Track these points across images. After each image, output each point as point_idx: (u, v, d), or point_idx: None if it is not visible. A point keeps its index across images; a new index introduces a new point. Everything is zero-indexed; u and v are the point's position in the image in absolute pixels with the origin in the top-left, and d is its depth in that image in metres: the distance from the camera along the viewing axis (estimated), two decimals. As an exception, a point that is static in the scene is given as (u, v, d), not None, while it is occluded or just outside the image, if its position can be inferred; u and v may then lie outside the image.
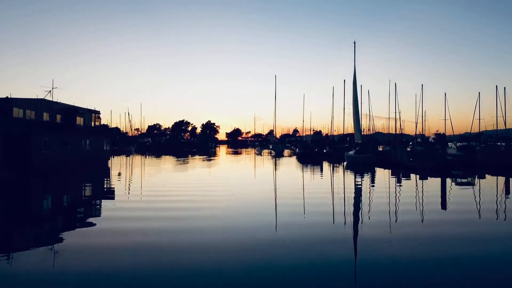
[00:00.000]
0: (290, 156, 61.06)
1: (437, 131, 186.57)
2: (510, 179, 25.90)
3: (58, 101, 28.10)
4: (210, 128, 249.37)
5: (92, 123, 33.93)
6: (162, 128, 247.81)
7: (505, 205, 17.49)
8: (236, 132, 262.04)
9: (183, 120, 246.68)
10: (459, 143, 36.96)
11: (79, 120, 29.54)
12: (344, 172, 34.29)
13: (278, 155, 59.42)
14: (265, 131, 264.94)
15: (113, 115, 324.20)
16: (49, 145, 23.86)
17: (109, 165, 34.60)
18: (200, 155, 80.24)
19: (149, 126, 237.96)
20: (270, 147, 64.24)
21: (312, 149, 52.34)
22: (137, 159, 62.68)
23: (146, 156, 70.79)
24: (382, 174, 30.44)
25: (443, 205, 18.79)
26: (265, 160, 53.78)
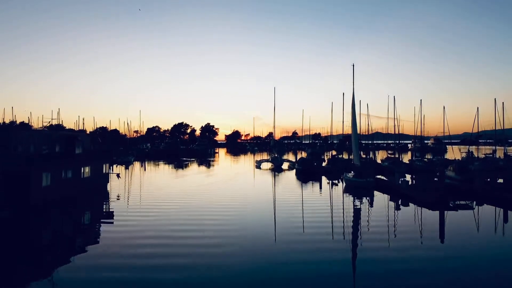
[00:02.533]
0: (289, 169, 61.16)
1: (436, 135, 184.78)
2: (509, 211, 26.01)
3: (57, 131, 28.14)
4: (209, 130, 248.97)
5: (92, 146, 33.95)
6: (161, 130, 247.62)
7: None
8: (235, 134, 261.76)
9: (182, 123, 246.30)
10: (458, 166, 36.96)
11: (78, 147, 29.50)
12: (343, 196, 34.45)
13: (277, 168, 59.50)
14: (264, 132, 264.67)
15: (112, 118, 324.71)
16: (48, 179, 23.87)
17: (108, 188, 34.68)
18: (199, 164, 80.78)
19: (148, 129, 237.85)
20: (270, 160, 64.31)
21: (311, 164, 52.44)
22: (136, 171, 62.65)
23: (145, 168, 70.74)
24: (381, 202, 30.68)
25: (440, 239, 19.08)
26: (265, 176, 53.94)
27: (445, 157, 64.79)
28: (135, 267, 15.18)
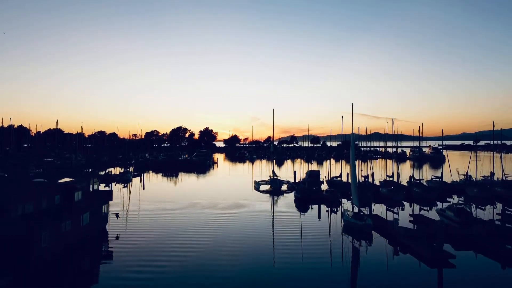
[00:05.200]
0: (288, 190, 61.31)
1: (434, 143, 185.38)
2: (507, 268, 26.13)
3: (56, 182, 28.24)
4: (208, 134, 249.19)
5: (91, 187, 33.94)
6: (160, 134, 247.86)
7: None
8: (234, 139, 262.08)
9: (180, 127, 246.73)
10: (456, 205, 37.14)
11: (78, 195, 29.45)
12: (342, 235, 34.54)
13: (276, 191, 59.62)
14: (263, 133, 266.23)
15: (112, 118, 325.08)
16: (48, 237, 23.82)
17: (108, 228, 34.71)
18: (197, 177, 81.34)
19: (146, 133, 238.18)
20: (268, 182, 64.44)
21: (309, 192, 52.59)
22: (134, 191, 62.44)
23: (143, 186, 70.62)
24: (379, 245, 31.04)
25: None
26: (264, 201, 54.13)
27: (443, 178, 64.64)
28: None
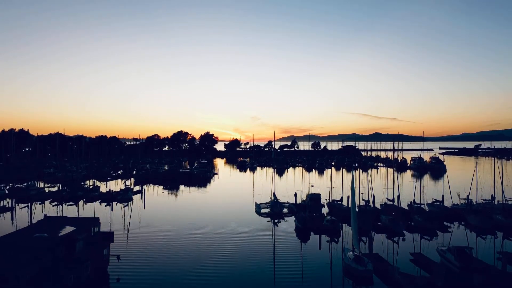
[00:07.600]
0: (289, 213, 61.28)
1: (435, 154, 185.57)
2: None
3: (57, 235, 28.36)
4: (208, 139, 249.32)
5: (92, 230, 33.97)
6: (161, 138, 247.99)
7: None
8: (235, 142, 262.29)
9: (181, 131, 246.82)
10: (457, 248, 37.05)
11: (79, 245, 29.47)
12: (342, 277, 34.58)
13: (276, 215, 59.67)
14: (263, 132, 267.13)
15: (113, 118, 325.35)
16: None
17: (108, 271, 34.76)
18: (198, 188, 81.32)
19: (147, 137, 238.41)
20: (269, 205, 64.47)
21: (310, 221, 52.52)
22: (135, 214, 62.29)
23: (144, 205, 70.63)
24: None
25: None
26: (265, 225, 54.42)
27: (444, 202, 64.70)
28: None
